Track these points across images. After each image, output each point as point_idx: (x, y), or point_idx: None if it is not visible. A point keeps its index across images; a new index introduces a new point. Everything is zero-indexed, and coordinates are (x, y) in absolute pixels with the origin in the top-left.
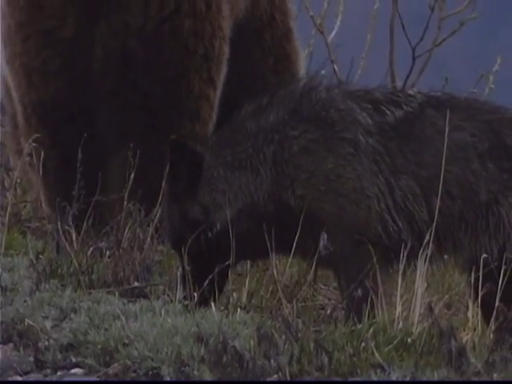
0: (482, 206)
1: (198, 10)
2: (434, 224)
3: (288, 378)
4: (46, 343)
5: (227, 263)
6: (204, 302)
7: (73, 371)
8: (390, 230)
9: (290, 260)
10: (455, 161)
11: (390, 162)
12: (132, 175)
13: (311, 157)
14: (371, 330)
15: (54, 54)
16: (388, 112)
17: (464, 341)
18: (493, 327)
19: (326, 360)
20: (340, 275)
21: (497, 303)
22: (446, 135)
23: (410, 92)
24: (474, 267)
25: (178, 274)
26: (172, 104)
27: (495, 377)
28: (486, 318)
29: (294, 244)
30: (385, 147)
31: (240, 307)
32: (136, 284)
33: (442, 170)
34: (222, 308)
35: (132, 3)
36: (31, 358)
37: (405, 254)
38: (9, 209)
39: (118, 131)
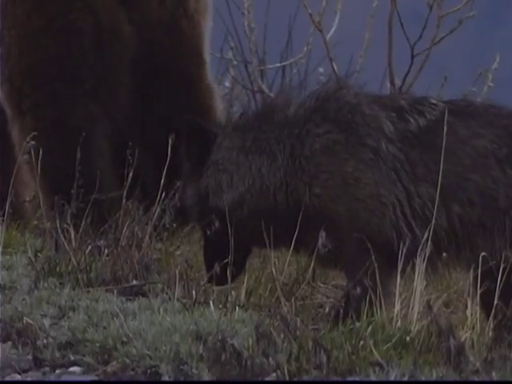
0: (500, 211)
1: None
2: (432, 224)
3: (286, 376)
4: (45, 341)
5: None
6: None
7: (71, 369)
8: (404, 237)
9: (288, 258)
10: (476, 168)
11: (410, 170)
12: (131, 174)
13: (332, 158)
14: (370, 328)
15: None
16: (412, 120)
17: (463, 339)
18: (491, 325)
19: (324, 358)
20: (345, 275)
21: (495, 301)
22: (467, 143)
23: (433, 101)
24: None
25: (177, 272)
26: (198, 82)
27: (494, 375)
28: (488, 316)
29: (295, 239)
30: (406, 155)
31: (238, 305)
32: (134, 282)
33: (440, 174)
34: (220, 306)
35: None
36: (30, 356)
37: (403, 253)
38: (7, 206)
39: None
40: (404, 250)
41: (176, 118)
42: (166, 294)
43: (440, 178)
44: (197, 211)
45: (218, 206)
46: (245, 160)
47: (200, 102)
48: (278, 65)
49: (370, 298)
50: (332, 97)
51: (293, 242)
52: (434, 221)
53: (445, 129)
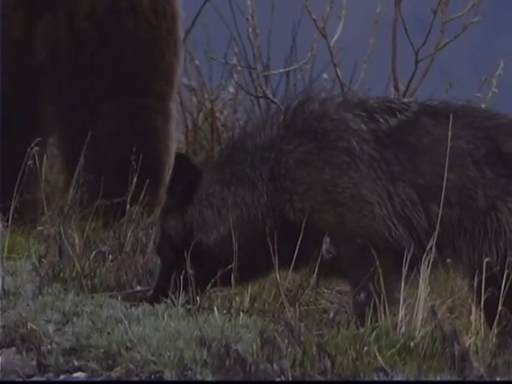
0: (481, 212)
1: None
2: (437, 230)
3: None
4: (49, 347)
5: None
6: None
7: (75, 375)
8: (394, 235)
9: (290, 269)
10: (452, 168)
11: (387, 169)
12: (135, 179)
13: (307, 169)
14: (374, 334)
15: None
16: (381, 120)
17: (467, 345)
18: (495, 331)
19: (328, 364)
20: (347, 281)
21: (499, 307)
22: (443, 143)
23: (405, 100)
24: (476, 272)
25: (181, 277)
26: (147, 64)
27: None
28: (489, 322)
29: (295, 256)
30: (381, 154)
31: (243, 311)
32: (138, 288)
33: (445, 177)
34: (224, 312)
35: None
36: (34, 362)
37: (408, 259)
38: (11, 212)
39: (90, 104)
40: (409, 256)
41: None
42: (170, 299)
43: (417, 178)
44: (178, 244)
45: (203, 241)
46: (228, 193)
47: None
48: (282, 70)
49: (375, 303)
50: (298, 110)
51: (293, 262)
52: (415, 221)
53: (450, 131)
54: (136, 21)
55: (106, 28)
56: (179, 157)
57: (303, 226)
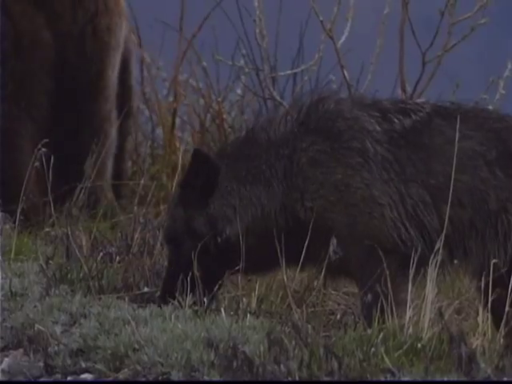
0: (492, 213)
1: (110, 8)
2: (444, 231)
3: None
4: (56, 348)
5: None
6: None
7: (83, 376)
8: (403, 237)
9: (298, 269)
10: (464, 169)
11: (400, 170)
12: (142, 181)
13: (320, 168)
14: (381, 335)
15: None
16: (396, 120)
17: (474, 346)
18: (503, 332)
19: (335, 365)
20: (354, 282)
21: (507, 309)
22: (456, 144)
23: (419, 101)
24: (483, 273)
25: (188, 278)
26: (97, 93)
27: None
28: (496, 323)
29: (304, 254)
30: (394, 156)
31: (250, 312)
32: (146, 289)
33: (452, 177)
34: (231, 313)
35: (62, 9)
36: (41, 363)
37: (415, 260)
38: (18, 214)
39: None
40: (416, 257)
41: (81, 127)
42: (178, 301)
43: (430, 179)
44: (203, 238)
45: (228, 235)
46: (244, 191)
47: (99, 110)
48: (290, 72)
49: (382, 304)
50: (312, 108)
51: (301, 258)
52: (427, 222)
53: (459, 132)
54: (95, 44)
55: (78, 53)
56: (197, 152)
57: (312, 225)
